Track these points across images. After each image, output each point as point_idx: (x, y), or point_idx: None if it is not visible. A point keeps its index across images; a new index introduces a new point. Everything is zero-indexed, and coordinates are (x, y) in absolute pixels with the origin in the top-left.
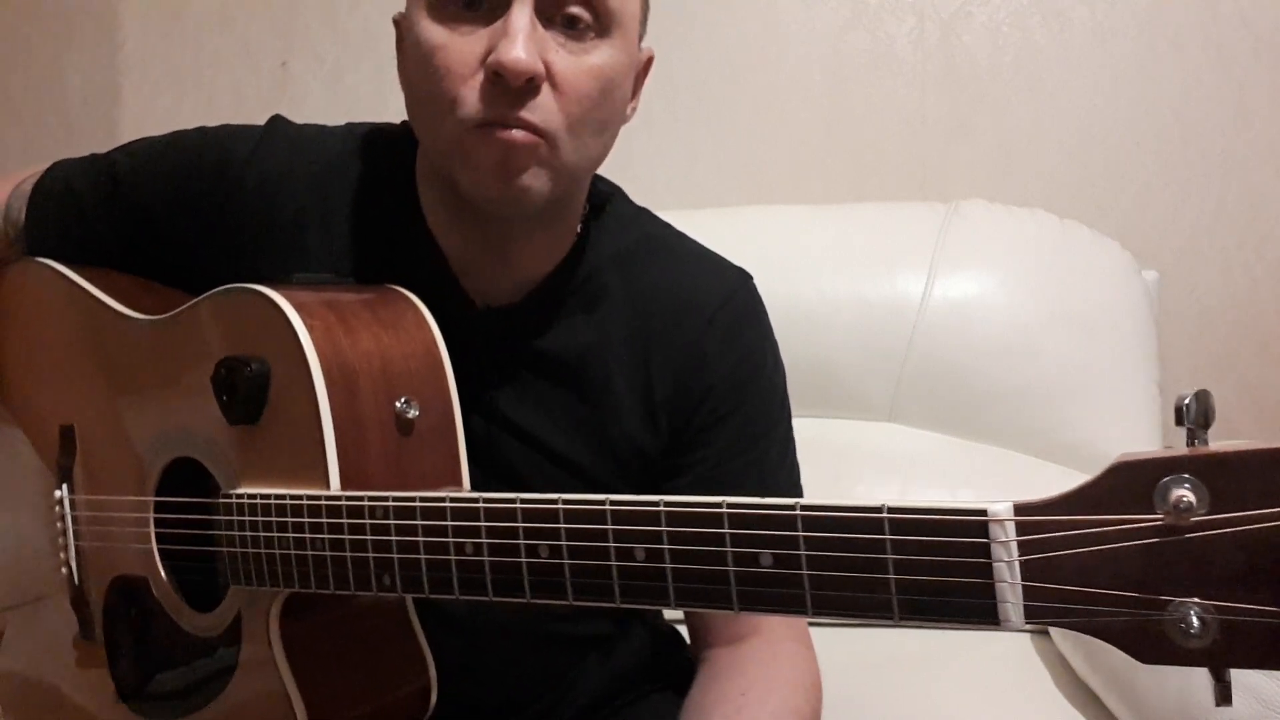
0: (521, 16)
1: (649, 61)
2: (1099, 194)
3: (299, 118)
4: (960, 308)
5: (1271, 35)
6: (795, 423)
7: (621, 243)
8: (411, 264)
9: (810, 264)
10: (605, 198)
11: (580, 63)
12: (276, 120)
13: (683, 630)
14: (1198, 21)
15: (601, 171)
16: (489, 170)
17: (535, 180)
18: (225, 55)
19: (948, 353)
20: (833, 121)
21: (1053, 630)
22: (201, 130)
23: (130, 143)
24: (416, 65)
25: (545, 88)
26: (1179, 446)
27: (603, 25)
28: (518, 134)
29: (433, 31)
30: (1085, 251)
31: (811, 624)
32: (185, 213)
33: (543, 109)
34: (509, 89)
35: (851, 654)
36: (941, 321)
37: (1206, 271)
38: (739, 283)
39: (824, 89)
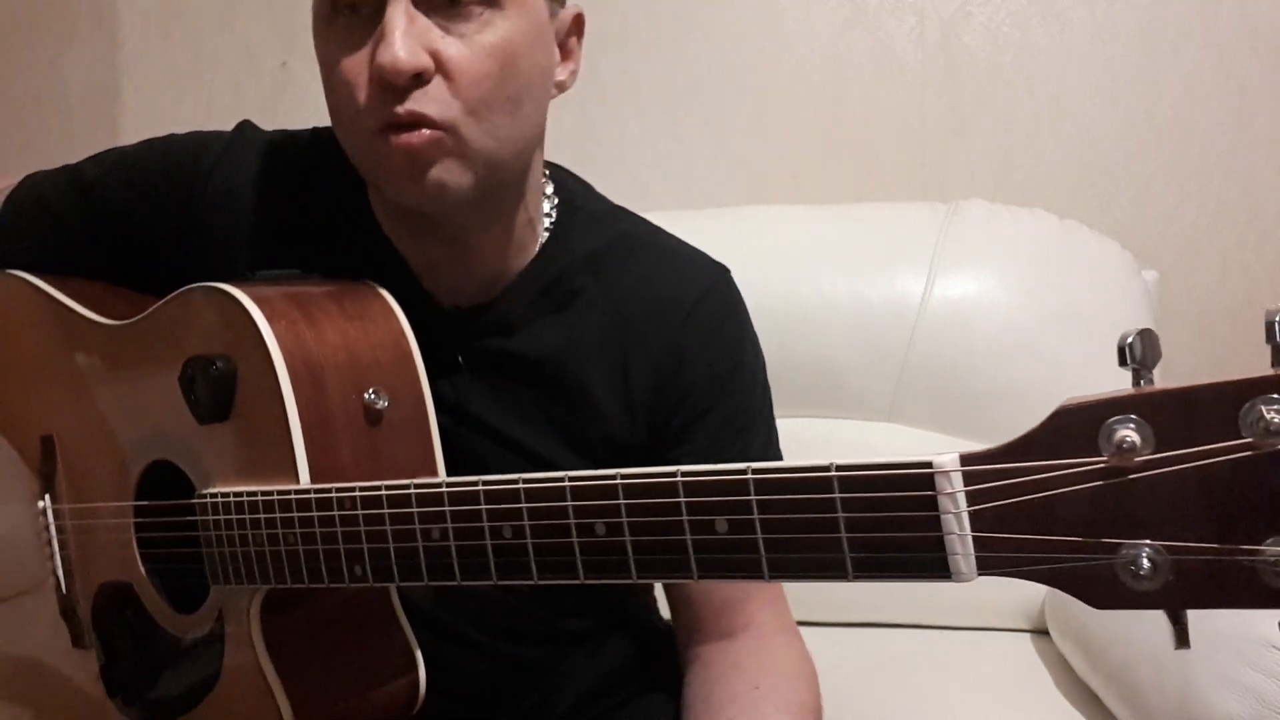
0: (396, 14)
1: (577, 20)
2: (1099, 194)
3: (299, 118)
4: (960, 308)
5: (1271, 35)
6: (795, 423)
7: (595, 242)
8: (372, 268)
9: (810, 264)
10: (573, 194)
11: (471, 44)
12: (244, 126)
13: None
14: (1198, 21)
15: (601, 171)
16: (399, 174)
17: (448, 174)
18: (225, 55)
19: (948, 353)
20: (833, 121)
21: (1053, 630)
22: (171, 137)
23: (100, 153)
24: (324, 85)
25: (438, 79)
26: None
27: None
28: (415, 135)
29: (327, 48)
30: (1085, 251)
31: (811, 624)
32: (154, 219)
33: (436, 101)
34: (397, 89)
35: (851, 654)
36: (941, 321)
37: (1206, 271)
38: (716, 277)
39: (824, 89)
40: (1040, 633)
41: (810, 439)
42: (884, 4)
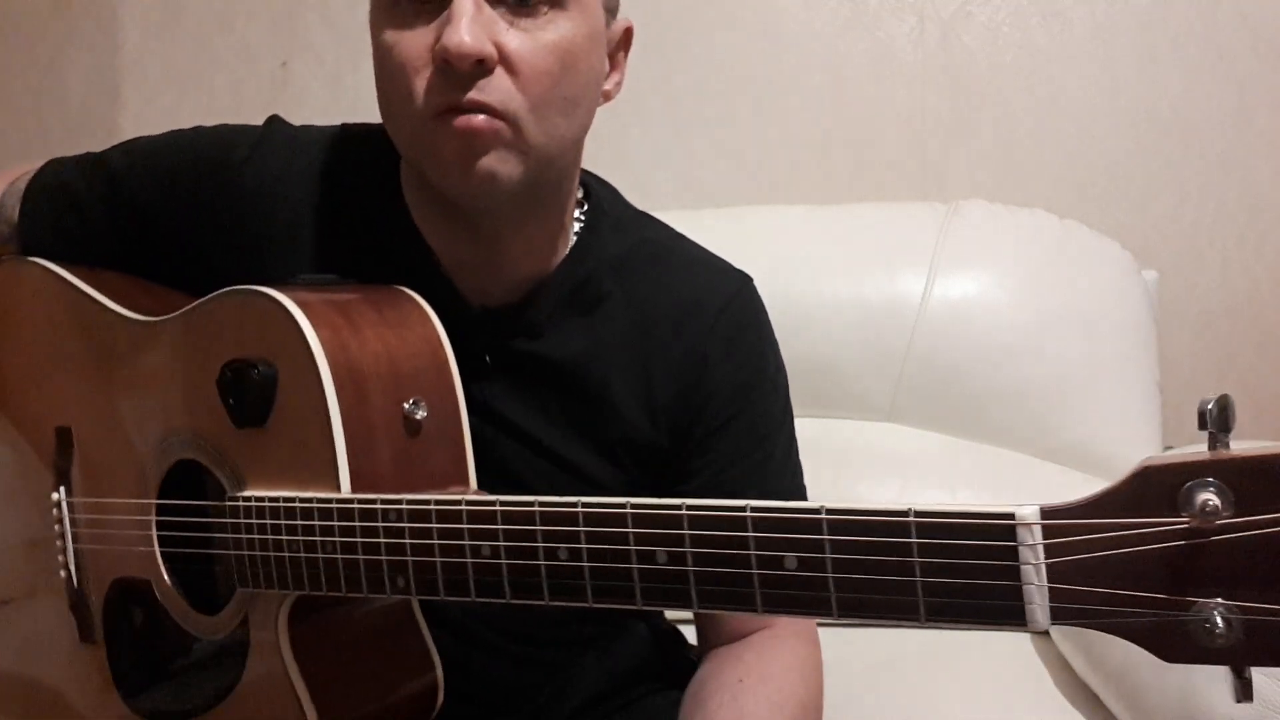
0: (464, 0)
1: (627, 33)
2: (1099, 194)
3: (299, 118)
4: (960, 308)
5: (1271, 35)
6: (795, 423)
7: (620, 248)
8: (404, 266)
9: (810, 264)
10: (601, 200)
11: (534, 39)
12: (274, 121)
13: (683, 630)
14: (1198, 21)
15: (601, 171)
16: (451, 159)
17: (501, 164)
18: (225, 55)
19: (948, 353)
20: (833, 121)
21: (1053, 630)
22: (199, 130)
23: (127, 141)
24: (378, 68)
25: (500, 70)
26: (1179, 447)
27: None
28: (476, 119)
29: (387, 32)
30: (1085, 251)
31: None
32: (182, 212)
33: (499, 90)
34: (459, 74)
35: (851, 653)
36: (941, 321)
37: (1206, 271)
38: (739, 286)
39: (824, 89)
40: (1040, 633)
41: (810, 439)
42: (884, 4)
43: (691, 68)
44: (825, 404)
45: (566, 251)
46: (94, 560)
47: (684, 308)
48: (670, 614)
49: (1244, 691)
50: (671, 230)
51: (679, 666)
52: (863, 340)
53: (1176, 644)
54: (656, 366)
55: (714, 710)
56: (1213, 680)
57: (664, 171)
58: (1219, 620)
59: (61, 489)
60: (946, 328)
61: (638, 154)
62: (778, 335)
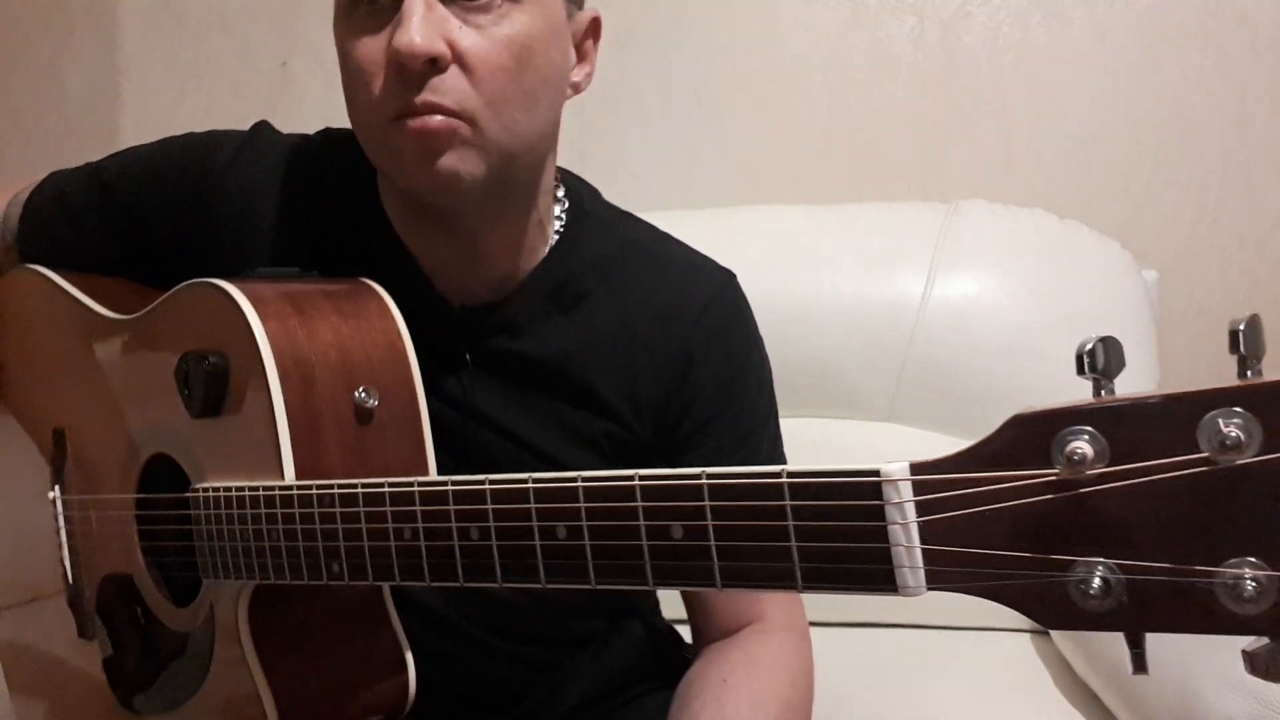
0: (414, 1)
1: (594, 23)
2: (1099, 194)
3: (299, 118)
4: (960, 308)
5: (1271, 35)
6: (795, 423)
7: (603, 249)
8: (384, 267)
9: (810, 264)
10: (582, 199)
11: (488, 35)
12: (260, 126)
13: (682, 630)
14: (1198, 21)
15: (601, 171)
16: (411, 160)
17: (462, 163)
18: (225, 55)
19: (948, 353)
20: (833, 121)
21: (1053, 630)
22: (188, 136)
23: (120, 151)
24: (342, 74)
25: (454, 69)
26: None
27: None
28: (432, 120)
29: (346, 39)
30: (1085, 251)
31: (811, 623)
32: (172, 216)
33: (454, 90)
34: (413, 75)
35: (851, 654)
36: (941, 321)
37: (1206, 271)
38: (722, 283)
39: (824, 89)
40: (1040, 633)
41: (810, 439)
42: (884, 4)
43: (691, 68)
44: (825, 404)
45: (547, 250)
46: (88, 557)
47: (667, 306)
48: (668, 613)
49: (1138, 662)
50: (655, 230)
51: (675, 666)
52: (863, 340)
53: (1057, 609)
54: (641, 365)
55: (698, 710)
56: (1213, 680)
57: (664, 171)
58: (1097, 581)
59: (57, 488)
60: (946, 328)
61: (637, 154)
62: (778, 335)
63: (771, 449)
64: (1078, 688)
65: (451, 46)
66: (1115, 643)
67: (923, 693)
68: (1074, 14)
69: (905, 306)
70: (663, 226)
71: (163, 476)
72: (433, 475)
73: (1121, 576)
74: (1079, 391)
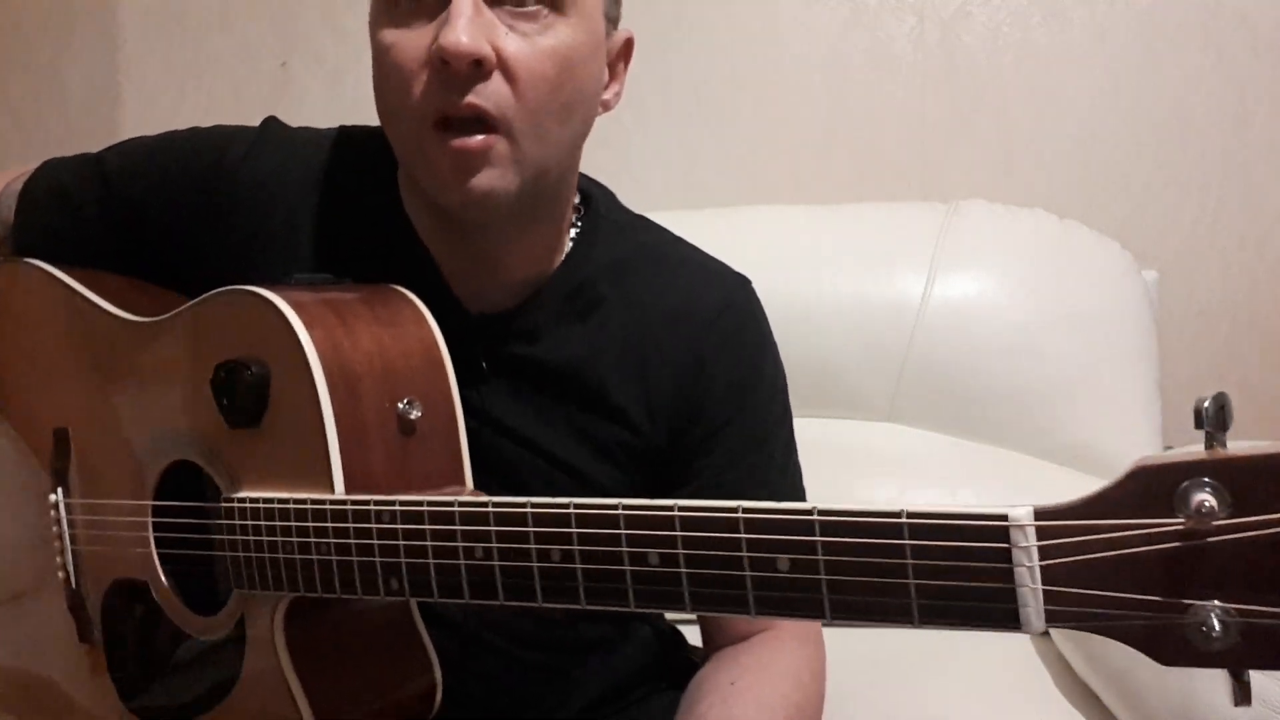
0: (463, 1)
1: (628, 44)
2: (1099, 194)
3: (299, 118)
4: (960, 308)
5: (1271, 35)
6: (795, 423)
7: (617, 252)
8: (402, 270)
9: (810, 264)
10: (598, 204)
11: (533, 44)
12: (271, 122)
13: (684, 630)
14: (1198, 21)
15: (601, 171)
16: (447, 173)
17: (498, 180)
18: (225, 55)
19: (948, 353)
20: (833, 121)
21: (1053, 629)
22: (194, 130)
23: (122, 142)
24: (376, 68)
25: (497, 75)
26: (1179, 447)
27: (557, 2)
28: (471, 140)
29: (385, 32)
30: (1085, 251)
31: None
32: (178, 212)
33: (495, 94)
34: (456, 76)
35: (852, 653)
36: (941, 321)
37: (1206, 271)
38: (736, 288)
39: (824, 89)
40: (1040, 632)
41: (810, 439)
42: (884, 4)
43: (691, 68)
44: (825, 404)
45: (563, 256)
46: (92, 561)
47: (682, 311)
48: (671, 614)
49: (1243, 695)
50: (669, 234)
51: (677, 666)
52: (863, 340)
53: (1173, 647)
54: (654, 369)
55: (704, 712)
56: (1213, 681)
57: (664, 171)
58: (1215, 623)
59: (59, 490)
60: (946, 328)
61: (638, 154)
62: (777, 335)
63: (785, 456)
64: (1078, 688)
65: (497, 52)
66: (1116, 644)
67: (923, 692)
68: (1074, 14)
69: (905, 306)
70: (662, 226)
71: (180, 483)
72: (469, 487)
73: (1237, 619)
74: (1079, 391)
